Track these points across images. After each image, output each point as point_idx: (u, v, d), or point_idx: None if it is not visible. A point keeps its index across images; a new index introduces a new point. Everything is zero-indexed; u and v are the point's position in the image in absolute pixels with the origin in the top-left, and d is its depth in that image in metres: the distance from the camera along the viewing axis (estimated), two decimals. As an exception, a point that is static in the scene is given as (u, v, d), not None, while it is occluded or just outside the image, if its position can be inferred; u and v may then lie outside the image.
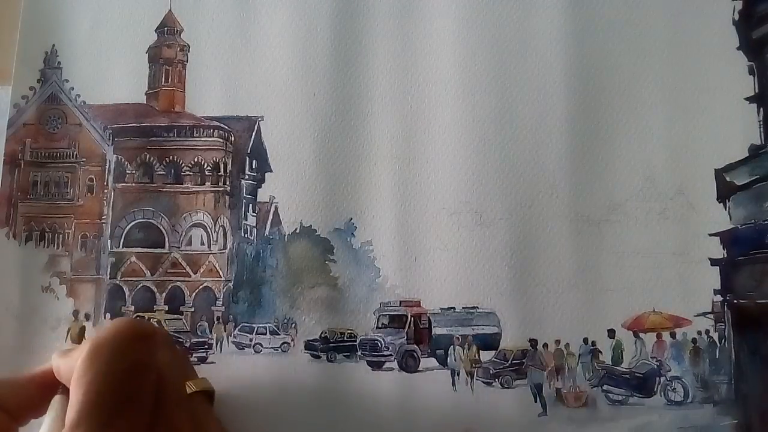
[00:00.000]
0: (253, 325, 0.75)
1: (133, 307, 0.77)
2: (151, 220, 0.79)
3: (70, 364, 0.50)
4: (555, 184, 0.73)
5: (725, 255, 0.70)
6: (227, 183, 0.81)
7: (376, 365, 0.73)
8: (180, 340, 0.76)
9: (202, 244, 0.79)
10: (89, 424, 0.44)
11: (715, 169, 0.72)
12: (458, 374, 0.72)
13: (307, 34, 0.79)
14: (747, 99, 0.73)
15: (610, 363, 0.70)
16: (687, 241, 0.71)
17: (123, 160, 0.80)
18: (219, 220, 0.80)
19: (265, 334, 0.75)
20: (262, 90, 0.78)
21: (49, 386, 0.54)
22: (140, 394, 0.47)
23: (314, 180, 0.76)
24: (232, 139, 0.80)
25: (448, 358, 0.74)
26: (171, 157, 0.81)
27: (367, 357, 0.73)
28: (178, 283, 0.79)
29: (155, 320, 0.77)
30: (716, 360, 0.69)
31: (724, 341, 0.69)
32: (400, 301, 0.73)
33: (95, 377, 0.46)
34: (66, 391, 0.51)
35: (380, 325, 0.74)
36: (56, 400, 0.53)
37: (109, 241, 0.79)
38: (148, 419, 0.47)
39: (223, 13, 0.80)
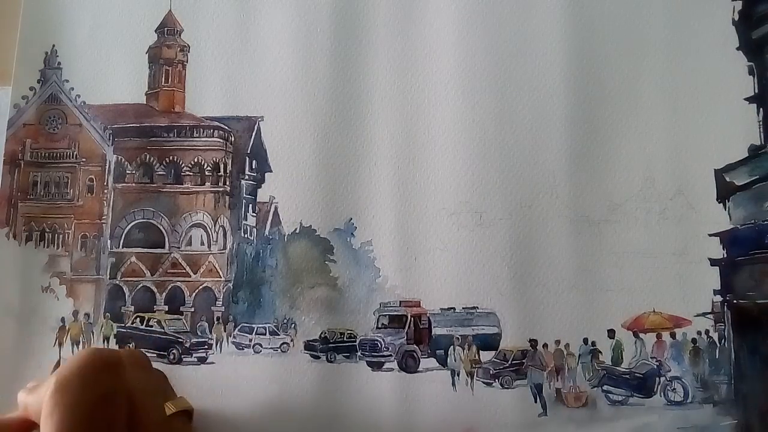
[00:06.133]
0: (253, 326, 0.75)
1: (133, 307, 0.77)
2: (151, 221, 0.79)
3: (37, 401, 0.49)
4: (555, 184, 0.73)
5: (725, 255, 0.70)
6: (227, 183, 0.81)
7: (376, 365, 0.73)
8: (180, 340, 0.76)
9: (202, 244, 0.79)
10: None
11: (715, 169, 0.72)
12: (458, 374, 0.72)
13: (307, 34, 0.79)
14: (747, 99, 0.73)
15: (610, 363, 0.70)
16: (687, 241, 0.71)
17: (123, 160, 0.80)
18: (219, 220, 0.80)
19: (265, 334, 0.75)
20: (262, 90, 0.78)
21: (27, 428, 0.53)
22: (112, 422, 0.47)
23: (314, 180, 0.76)
24: (232, 139, 0.80)
25: (448, 359, 0.74)
26: (171, 158, 0.81)
27: (367, 357, 0.73)
28: (178, 283, 0.79)
29: (155, 320, 0.77)
30: (716, 360, 0.69)
31: (724, 341, 0.69)
32: (400, 302, 0.73)
33: (63, 413, 0.45)
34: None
35: (380, 326, 0.74)
36: None
37: (109, 241, 0.79)
38: None
39: (223, 13, 0.80)
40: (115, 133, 0.81)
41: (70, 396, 0.46)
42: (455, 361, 0.73)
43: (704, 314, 0.69)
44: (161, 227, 0.79)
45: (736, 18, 0.74)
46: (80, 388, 0.47)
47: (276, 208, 0.76)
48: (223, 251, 0.78)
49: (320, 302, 0.73)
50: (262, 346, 0.74)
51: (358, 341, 0.73)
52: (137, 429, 0.48)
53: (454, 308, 0.72)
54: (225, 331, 0.76)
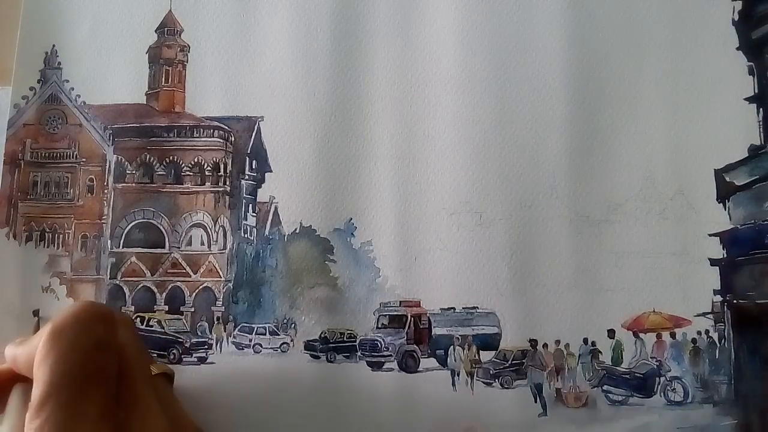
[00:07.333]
0: (253, 326, 0.75)
1: (133, 307, 0.77)
2: (151, 221, 0.79)
3: (29, 350, 0.49)
4: (555, 184, 0.73)
5: (725, 255, 0.70)
6: (227, 183, 0.81)
7: (376, 365, 0.73)
8: (180, 340, 0.76)
9: (202, 244, 0.79)
10: (56, 403, 0.44)
11: (715, 169, 0.72)
12: (458, 374, 0.72)
13: (307, 34, 0.79)
14: (747, 99, 0.73)
15: (610, 363, 0.70)
16: (687, 241, 0.71)
17: (123, 160, 0.80)
18: (219, 220, 0.80)
19: (265, 334, 0.75)
20: (262, 90, 0.78)
21: (6, 384, 0.54)
22: (105, 371, 0.47)
23: (314, 180, 0.76)
24: (232, 139, 0.80)
25: (448, 359, 0.74)
26: (171, 158, 0.81)
27: (366, 357, 0.73)
28: (178, 283, 0.79)
29: (155, 320, 0.77)
30: (716, 360, 0.69)
31: (724, 341, 0.69)
32: (400, 302, 0.73)
33: (59, 357, 0.46)
34: (25, 380, 0.51)
35: (380, 326, 0.74)
36: (16, 390, 0.53)
37: (109, 241, 0.79)
38: (115, 395, 0.47)
39: (223, 13, 0.80)
40: (115, 133, 0.81)
41: (66, 341, 0.47)
42: (455, 361, 0.73)
43: (704, 314, 0.69)
44: (161, 227, 0.79)
45: (736, 18, 0.74)
46: (76, 334, 0.47)
47: (276, 208, 0.76)
48: (223, 251, 0.78)
49: (320, 302, 0.73)
50: (262, 346, 0.74)
51: (358, 341, 0.73)
52: (125, 382, 0.48)
53: (454, 308, 0.72)
54: (225, 331, 0.76)
